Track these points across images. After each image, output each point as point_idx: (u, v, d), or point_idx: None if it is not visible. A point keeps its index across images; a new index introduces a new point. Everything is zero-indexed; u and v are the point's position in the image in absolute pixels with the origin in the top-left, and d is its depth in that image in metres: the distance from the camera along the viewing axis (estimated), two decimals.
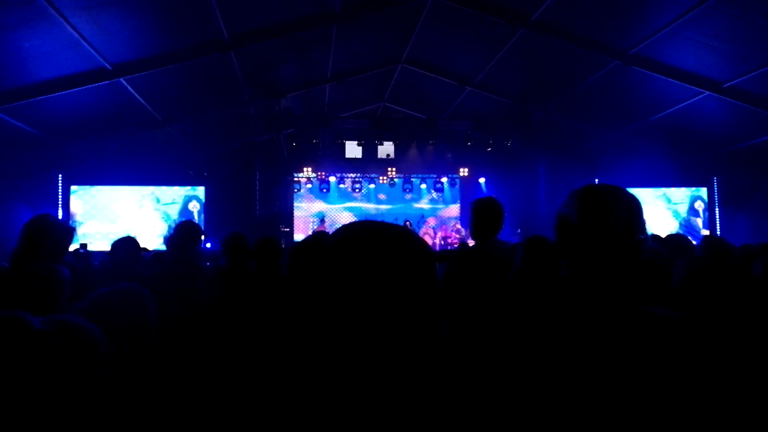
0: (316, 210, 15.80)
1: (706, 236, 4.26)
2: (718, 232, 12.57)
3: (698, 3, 7.10)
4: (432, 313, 1.03)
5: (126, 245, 3.94)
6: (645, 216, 1.43)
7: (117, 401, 0.98)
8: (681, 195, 13.29)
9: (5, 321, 0.87)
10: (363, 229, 1.06)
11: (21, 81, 8.04)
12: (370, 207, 15.91)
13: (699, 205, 13.23)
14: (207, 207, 12.51)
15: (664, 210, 13.16)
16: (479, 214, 3.32)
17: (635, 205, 1.43)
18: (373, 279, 0.98)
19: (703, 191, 13.22)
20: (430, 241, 14.69)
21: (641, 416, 1.02)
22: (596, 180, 11.95)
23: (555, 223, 1.48)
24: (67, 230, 2.96)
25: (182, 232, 3.77)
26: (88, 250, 7.68)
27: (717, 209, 12.96)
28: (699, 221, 13.16)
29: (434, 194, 16.27)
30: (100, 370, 0.96)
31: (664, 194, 13.24)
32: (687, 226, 12.99)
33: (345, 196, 15.87)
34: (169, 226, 11.88)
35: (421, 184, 15.96)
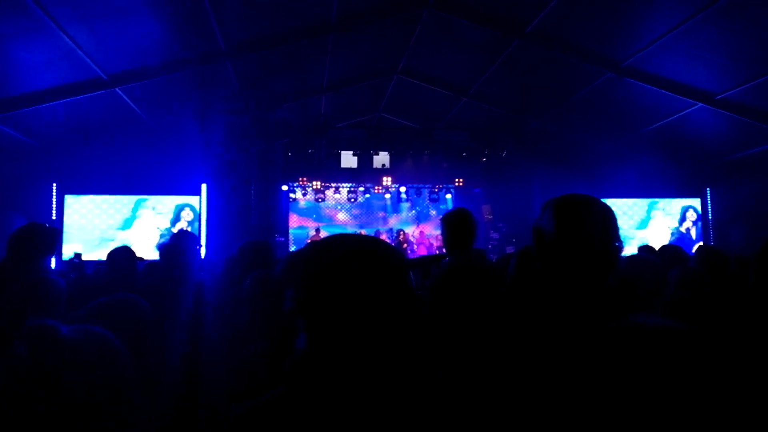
0: (311, 220, 15.81)
1: (700, 246, 4.29)
2: (711, 243, 12.62)
3: (691, 15, 7.18)
4: (408, 318, 1.04)
5: (122, 255, 3.92)
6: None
7: (137, 405, 0.99)
8: (675, 206, 13.34)
9: (38, 329, 0.88)
10: (335, 243, 1.09)
11: (17, 90, 8.04)
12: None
13: (691, 215, 13.27)
14: (204, 216, 12.47)
15: (658, 221, 13.20)
16: (451, 226, 3.29)
17: (609, 214, 1.45)
18: (347, 288, 1.00)
19: (696, 202, 13.27)
20: (425, 252, 14.70)
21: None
22: (590, 191, 11.99)
23: (532, 236, 1.50)
24: (52, 234, 2.96)
25: (178, 242, 3.77)
26: (82, 260, 7.65)
27: (710, 220, 13.01)
28: (692, 231, 13.19)
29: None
30: (124, 374, 0.97)
31: (656, 204, 13.29)
32: (679, 237, 13.03)
33: (340, 206, 15.88)
34: (161, 236, 11.82)
35: (416, 194, 15.98)
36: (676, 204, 13.31)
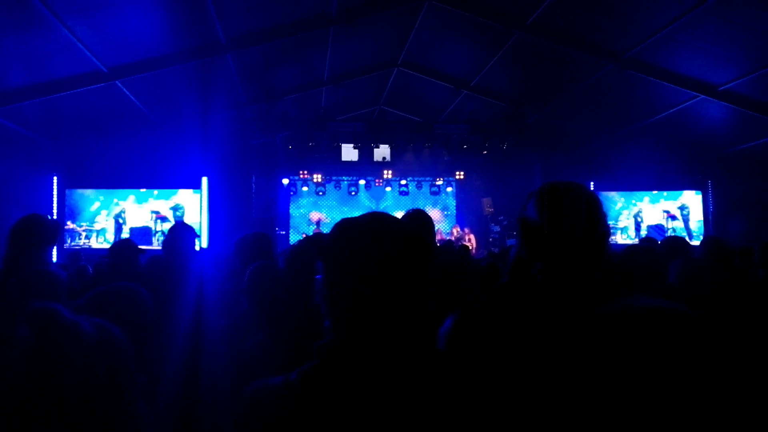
0: (313, 213, 15.80)
1: (706, 237, 4.28)
2: (712, 235, 12.59)
3: (693, 7, 7.13)
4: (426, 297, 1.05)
5: (125, 247, 3.91)
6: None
7: (137, 395, 0.99)
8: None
9: (41, 311, 0.89)
10: (363, 221, 1.09)
11: (16, 83, 8.02)
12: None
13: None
14: (205, 209, 12.46)
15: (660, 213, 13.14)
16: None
17: (594, 200, 1.43)
18: (379, 264, 1.00)
19: (688, 194, 13.11)
20: None
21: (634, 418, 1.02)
22: (591, 183, 11.98)
23: (517, 228, 1.48)
24: (52, 226, 2.95)
25: (175, 234, 3.75)
26: (79, 252, 7.66)
27: (711, 212, 12.97)
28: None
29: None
30: (125, 364, 0.97)
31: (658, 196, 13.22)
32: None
33: (341, 199, 15.87)
34: (162, 232, 11.81)
35: (417, 187, 15.97)
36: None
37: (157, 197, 12.26)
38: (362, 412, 0.95)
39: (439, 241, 14.68)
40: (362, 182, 15.48)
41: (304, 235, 12.72)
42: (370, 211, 1.15)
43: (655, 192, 13.11)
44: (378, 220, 1.09)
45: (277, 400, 0.98)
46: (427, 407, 0.97)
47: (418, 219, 3.23)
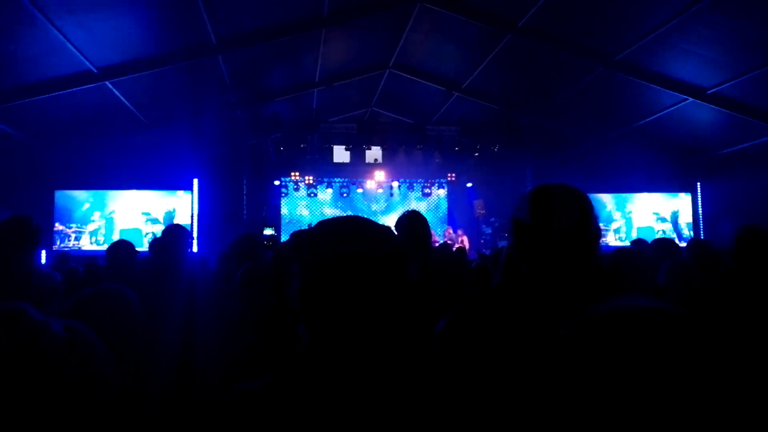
0: (304, 214, 15.78)
1: (691, 240, 4.31)
2: (702, 237, 12.67)
3: (683, 10, 7.19)
4: (404, 312, 1.04)
5: (123, 248, 3.88)
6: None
7: (113, 398, 0.97)
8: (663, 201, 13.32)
9: (9, 311, 0.86)
10: (338, 224, 1.08)
11: (5, 84, 7.94)
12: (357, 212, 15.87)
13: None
14: (197, 211, 12.40)
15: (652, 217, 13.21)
16: (402, 234, 3.24)
17: (585, 202, 1.44)
18: (347, 283, 0.99)
19: (678, 196, 13.19)
20: None
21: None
22: (582, 185, 12.01)
23: (510, 228, 1.50)
24: (37, 227, 2.93)
25: (170, 236, 3.73)
26: (67, 255, 7.59)
27: (700, 215, 13.05)
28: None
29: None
30: (103, 371, 0.95)
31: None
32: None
33: (332, 201, 15.85)
34: (153, 234, 11.73)
35: (408, 188, 15.98)
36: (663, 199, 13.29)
37: (148, 199, 12.18)
38: (338, 416, 0.94)
39: (433, 242, 14.68)
40: (354, 184, 15.48)
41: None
42: (360, 213, 1.15)
43: (645, 194, 13.18)
44: (354, 222, 1.08)
45: (254, 405, 0.98)
46: (408, 410, 0.97)
47: (414, 220, 3.24)
